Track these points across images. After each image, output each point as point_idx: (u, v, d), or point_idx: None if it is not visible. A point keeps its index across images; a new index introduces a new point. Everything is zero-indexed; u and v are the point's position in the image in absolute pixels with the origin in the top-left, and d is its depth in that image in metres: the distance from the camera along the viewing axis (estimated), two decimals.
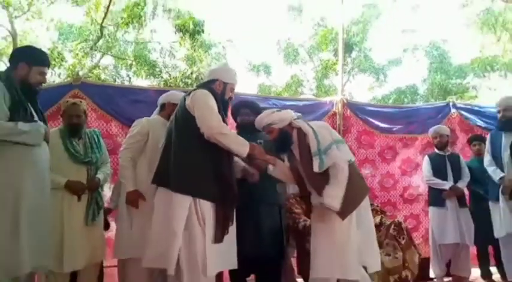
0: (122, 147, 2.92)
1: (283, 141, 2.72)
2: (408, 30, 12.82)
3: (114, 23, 9.67)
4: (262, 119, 2.77)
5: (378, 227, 3.22)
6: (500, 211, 3.58)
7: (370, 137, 4.86)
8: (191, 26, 8.37)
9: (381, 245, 3.04)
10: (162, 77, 8.96)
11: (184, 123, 2.41)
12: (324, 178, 2.47)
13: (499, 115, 3.78)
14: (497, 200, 3.63)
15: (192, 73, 8.45)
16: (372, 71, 12.11)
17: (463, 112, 5.07)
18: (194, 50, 8.82)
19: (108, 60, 11.02)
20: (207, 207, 2.37)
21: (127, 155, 2.85)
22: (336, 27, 5.75)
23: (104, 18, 9.10)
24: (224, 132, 2.37)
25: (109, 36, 9.82)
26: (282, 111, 2.81)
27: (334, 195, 2.41)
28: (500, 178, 3.60)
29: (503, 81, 11.73)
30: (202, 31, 8.67)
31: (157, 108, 3.10)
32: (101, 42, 9.88)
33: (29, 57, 2.40)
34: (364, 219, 2.58)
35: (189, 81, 8.41)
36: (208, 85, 2.56)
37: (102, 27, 9.33)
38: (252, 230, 2.84)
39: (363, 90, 13.59)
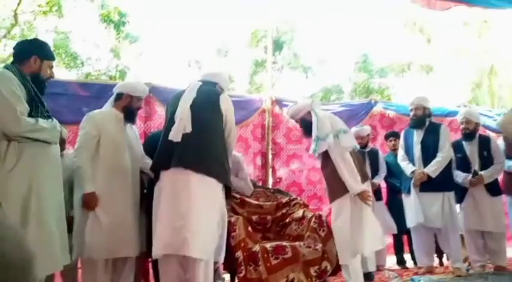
0: (77, 146, 2.76)
1: (305, 128, 3.22)
2: (335, 31, 13.35)
3: (31, 10, 8.91)
4: (286, 114, 3.50)
5: (301, 220, 3.34)
6: (412, 202, 3.84)
7: (298, 133, 4.98)
8: (116, 17, 7.95)
9: (302, 238, 3.17)
10: (83, 69, 8.43)
11: (216, 118, 2.58)
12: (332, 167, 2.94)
13: (411, 113, 4.05)
14: (409, 192, 3.88)
15: (117, 66, 8.06)
16: (301, 69, 12.44)
17: (386, 107, 5.38)
18: (119, 42, 8.40)
19: None
20: (223, 195, 2.56)
21: (85, 155, 2.70)
22: (267, 25, 5.82)
23: (18, 5, 8.32)
24: None
25: (25, 25, 9.02)
26: (299, 103, 3.35)
27: (349, 182, 2.89)
28: (412, 172, 3.87)
29: (419, 81, 12.67)
30: (128, 22, 8.26)
31: (113, 97, 2.95)
32: (16, 30, 9.04)
33: (40, 51, 2.34)
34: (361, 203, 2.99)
35: (113, 73, 8.01)
36: (216, 88, 2.74)
37: (16, 15, 8.54)
38: None
39: (293, 87, 13.93)
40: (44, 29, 9.26)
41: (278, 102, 5.04)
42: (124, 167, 2.80)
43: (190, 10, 21.99)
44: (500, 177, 4.22)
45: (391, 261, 4.60)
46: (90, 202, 2.64)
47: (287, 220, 3.51)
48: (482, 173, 3.91)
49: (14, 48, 2.39)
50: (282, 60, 12.28)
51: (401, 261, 4.55)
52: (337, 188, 2.94)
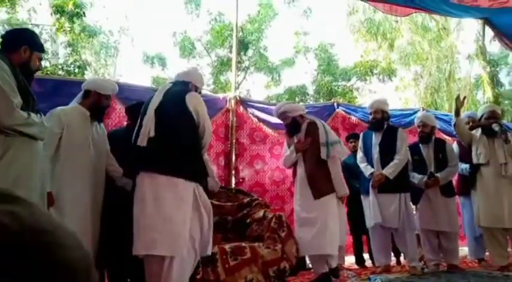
0: None
1: (293, 127, 3.53)
2: (301, 32, 13.43)
3: None
4: (279, 107, 3.59)
5: (261, 220, 3.34)
6: (370, 203, 3.92)
7: (261, 133, 4.99)
8: (70, 7, 7.51)
9: (262, 238, 3.17)
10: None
11: (184, 118, 2.54)
12: (322, 168, 3.32)
13: (370, 116, 4.13)
14: (368, 193, 3.96)
15: (75, 61, 7.70)
16: (267, 70, 12.44)
17: (347, 110, 5.47)
18: (76, 35, 7.99)
19: None
20: (200, 192, 2.56)
21: (46, 153, 2.54)
22: (232, 24, 5.81)
23: None
24: None
25: None
26: (295, 103, 3.90)
27: (341, 184, 3.39)
28: (371, 174, 3.95)
29: (381, 84, 13.02)
30: (83, 14, 7.85)
31: (80, 94, 2.88)
32: None
33: (30, 41, 2.25)
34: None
35: (71, 69, 7.66)
36: (186, 88, 2.70)
37: None
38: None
39: (259, 88, 13.94)
40: None
41: (242, 102, 5.02)
42: (86, 167, 2.72)
43: (155, 6, 21.65)
44: (454, 179, 4.39)
45: (350, 260, 4.68)
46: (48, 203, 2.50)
47: (248, 221, 3.50)
48: (437, 175, 4.05)
49: (3, 36, 2.30)
50: (247, 61, 12.23)
51: (360, 261, 4.64)
52: (329, 186, 3.33)
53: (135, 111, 3.24)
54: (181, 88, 2.68)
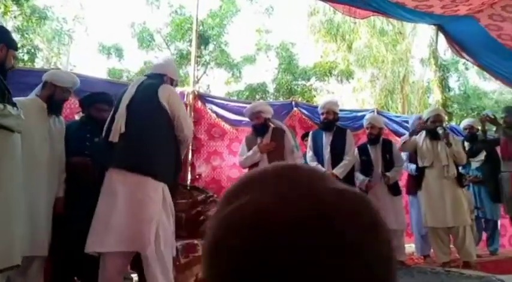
0: None
1: (263, 128, 3.67)
2: (262, 30, 13.48)
3: None
4: (256, 106, 3.77)
5: None
6: None
7: (220, 129, 4.95)
8: None
9: None
10: None
11: (155, 114, 2.49)
12: None
13: (322, 117, 4.18)
14: None
15: (23, 46, 7.28)
16: (228, 66, 12.39)
17: (302, 110, 5.54)
18: (26, 18, 7.55)
19: None
20: (167, 192, 2.50)
21: None
22: (193, 17, 5.72)
23: None
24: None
25: None
26: (268, 105, 3.97)
27: None
28: None
29: (339, 85, 13.31)
30: None
31: (40, 85, 2.82)
32: None
33: (7, 40, 2.26)
34: None
35: (20, 55, 7.25)
36: (160, 81, 2.64)
37: None
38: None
39: (219, 84, 13.87)
40: None
41: (201, 97, 4.96)
42: (40, 160, 2.65)
43: None
44: (404, 179, 4.57)
45: None
46: None
47: (201, 218, 3.48)
48: (388, 174, 4.20)
49: None
50: (208, 56, 12.11)
51: None
52: None
53: (89, 103, 3.14)
54: (155, 81, 2.62)
